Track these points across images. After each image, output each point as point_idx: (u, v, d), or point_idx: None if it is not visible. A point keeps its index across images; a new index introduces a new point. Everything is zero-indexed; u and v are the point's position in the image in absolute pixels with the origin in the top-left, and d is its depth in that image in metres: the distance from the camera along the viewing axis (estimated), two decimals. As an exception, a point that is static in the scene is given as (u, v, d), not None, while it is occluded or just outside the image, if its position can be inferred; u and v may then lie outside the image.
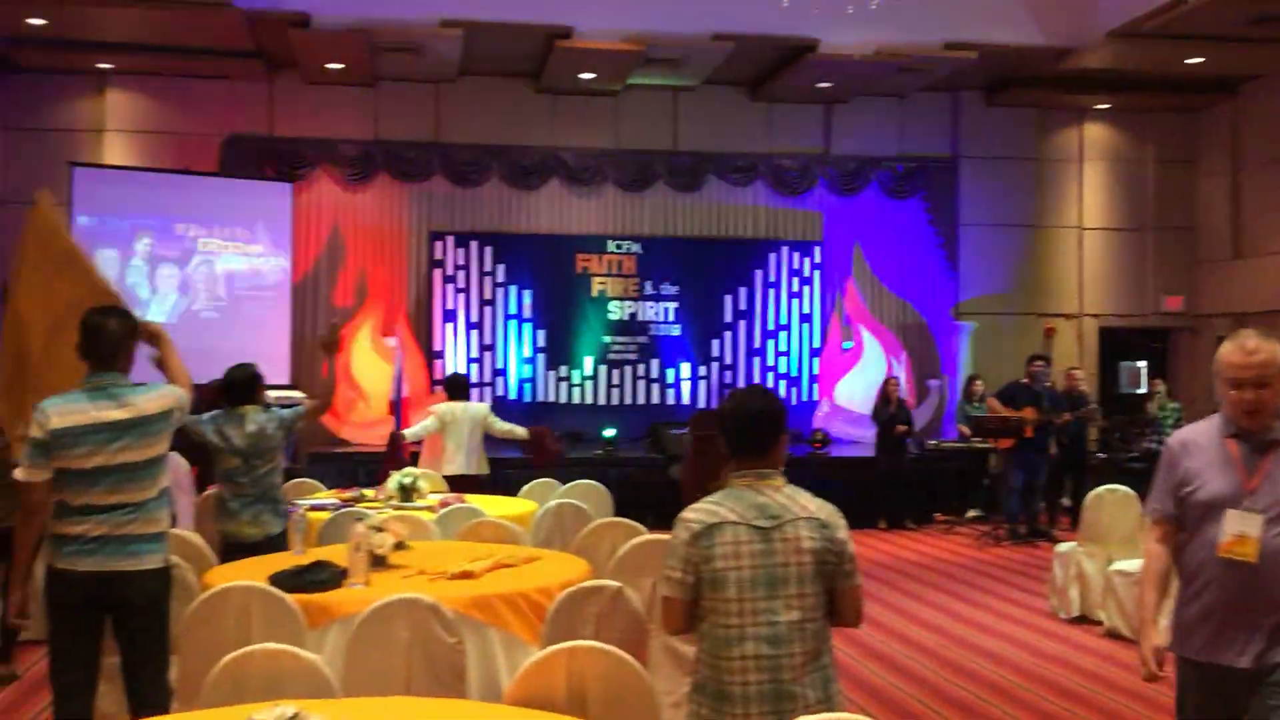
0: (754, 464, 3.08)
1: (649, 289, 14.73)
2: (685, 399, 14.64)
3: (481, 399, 13.73)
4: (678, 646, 4.97)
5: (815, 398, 14.92)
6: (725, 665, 2.95)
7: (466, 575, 4.43)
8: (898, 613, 8.08)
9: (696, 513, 3.04)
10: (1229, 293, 14.79)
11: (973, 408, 12.52)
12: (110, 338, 4.09)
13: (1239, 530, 3.15)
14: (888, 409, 12.21)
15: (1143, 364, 15.36)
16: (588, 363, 14.56)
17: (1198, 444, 3.33)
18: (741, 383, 14.83)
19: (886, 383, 12.57)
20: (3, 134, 13.23)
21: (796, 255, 15.06)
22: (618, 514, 7.13)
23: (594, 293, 14.61)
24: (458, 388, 8.83)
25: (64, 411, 3.98)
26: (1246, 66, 13.69)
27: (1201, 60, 13.02)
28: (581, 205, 14.70)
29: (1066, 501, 12.15)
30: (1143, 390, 14.87)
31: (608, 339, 14.63)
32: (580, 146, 14.49)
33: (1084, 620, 7.75)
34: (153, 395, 4.14)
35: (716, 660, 2.97)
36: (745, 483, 3.06)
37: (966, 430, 12.42)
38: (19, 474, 4.01)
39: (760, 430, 3.09)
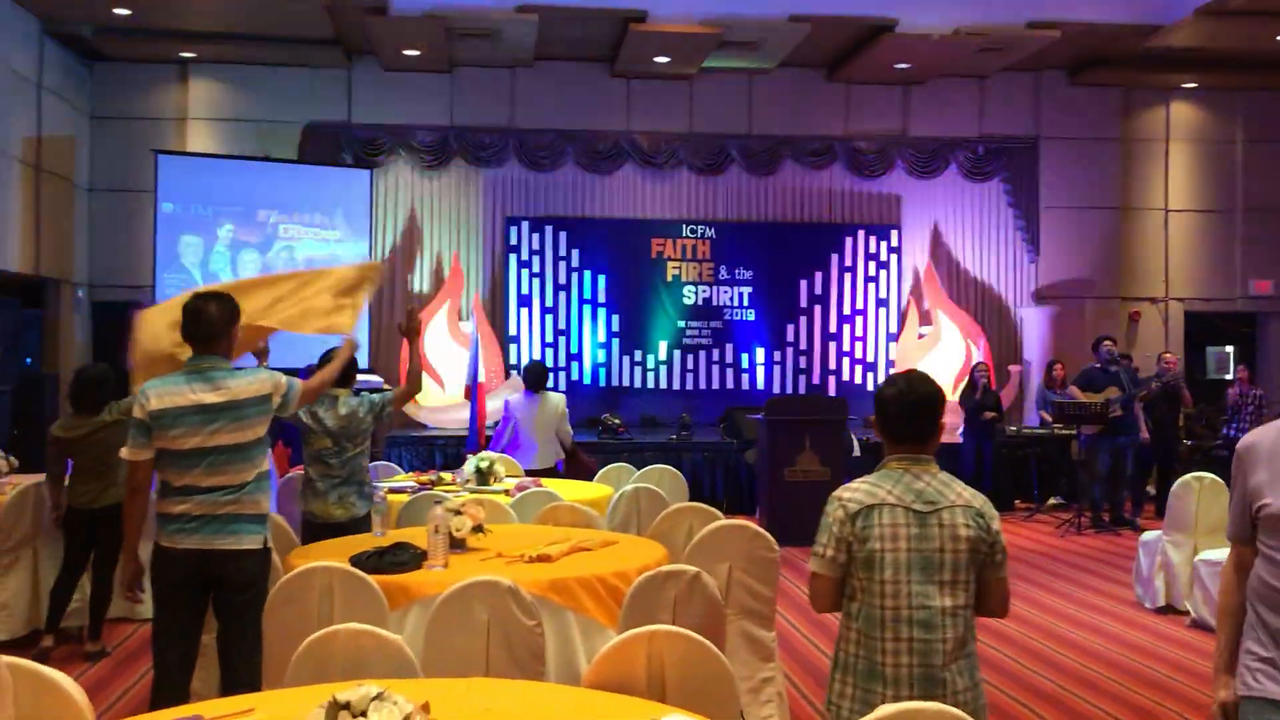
0: (912, 449, 3.08)
1: (723, 273, 14.68)
2: (760, 384, 14.58)
3: (556, 385, 13.79)
4: (756, 633, 4.95)
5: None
6: (879, 646, 2.96)
7: (544, 559, 4.44)
8: (977, 601, 7.97)
9: (854, 492, 3.05)
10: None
11: (1055, 393, 12.30)
12: (210, 322, 4.20)
13: None
14: (974, 395, 12.04)
15: (1230, 349, 14.97)
16: (662, 347, 14.56)
17: (1268, 448, 2.71)
18: (817, 368, 14.75)
19: (975, 368, 12.39)
20: (89, 122, 13.53)
21: (873, 239, 14.90)
22: (693, 499, 7.12)
23: (668, 277, 14.59)
24: (536, 377, 8.58)
25: (162, 394, 4.12)
26: (1342, 41, 13.23)
27: (1294, 36, 12.62)
28: (655, 189, 14.67)
29: (1152, 489, 11.90)
30: (1229, 376, 14.50)
31: (682, 323, 14.60)
32: (654, 130, 14.46)
33: (1170, 610, 7.59)
34: (249, 380, 4.23)
35: (870, 640, 2.98)
36: (902, 466, 3.07)
37: (1048, 416, 12.19)
38: (124, 452, 4.19)
39: (922, 416, 3.09)
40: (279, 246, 13.30)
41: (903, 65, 13.77)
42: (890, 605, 2.95)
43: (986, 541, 3.01)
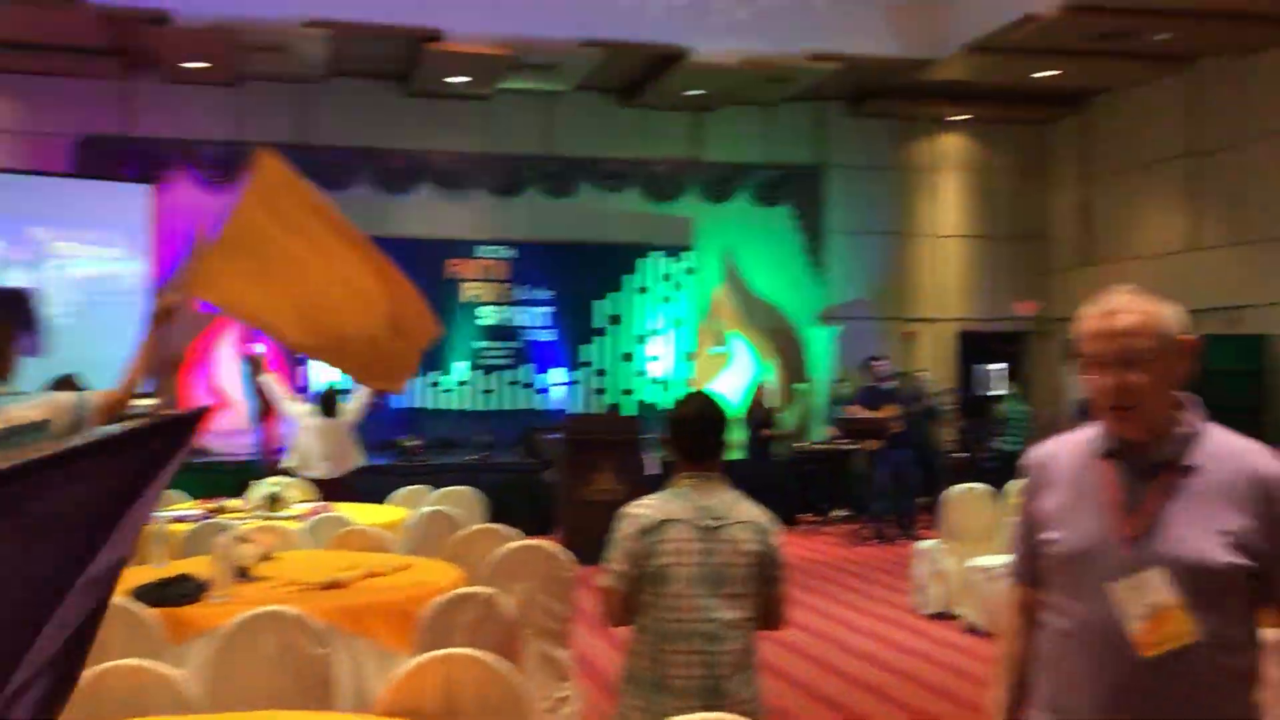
0: (701, 467, 3.19)
1: (521, 294, 14.70)
2: (559, 404, 14.65)
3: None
4: (552, 652, 4.99)
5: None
6: (665, 659, 3.05)
7: (335, 585, 4.37)
8: (768, 613, 8.22)
9: (643, 508, 3.14)
10: (1079, 298, 15.31)
11: (839, 410, 12.81)
12: None
13: (1154, 603, 2.04)
14: (756, 413, 12.40)
15: (999, 367, 15.89)
16: (459, 368, 14.46)
17: (1060, 467, 2.23)
18: (613, 388, 14.93)
19: (755, 387, 12.78)
20: None
21: (668, 261, 15.20)
22: (492, 520, 7.11)
23: (464, 298, 14.51)
24: (328, 404, 8.61)
25: None
26: (1095, 80, 14.29)
27: (1052, 74, 13.55)
28: (452, 210, 14.59)
29: (924, 500, 12.52)
30: (1000, 392, 15.40)
31: (479, 344, 14.54)
32: (451, 150, 14.38)
33: (945, 616, 7.99)
34: (25, 405, 3.97)
35: (656, 653, 3.06)
36: (691, 483, 3.16)
37: (833, 431, 12.69)
38: None
39: (711, 435, 3.22)
40: (51, 265, 12.61)
41: (694, 92, 14.13)
42: (675, 619, 3.03)
43: (768, 557, 3.14)
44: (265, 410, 10.66)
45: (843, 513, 12.84)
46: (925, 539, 8.73)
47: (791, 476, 12.86)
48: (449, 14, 12.14)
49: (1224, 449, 2.14)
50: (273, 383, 9.21)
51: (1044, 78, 13.72)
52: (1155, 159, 14.14)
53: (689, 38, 12.63)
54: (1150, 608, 2.04)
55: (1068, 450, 2.25)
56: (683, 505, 3.12)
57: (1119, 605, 2.06)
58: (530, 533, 5.83)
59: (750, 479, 12.12)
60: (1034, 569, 2.25)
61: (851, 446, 12.16)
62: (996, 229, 15.99)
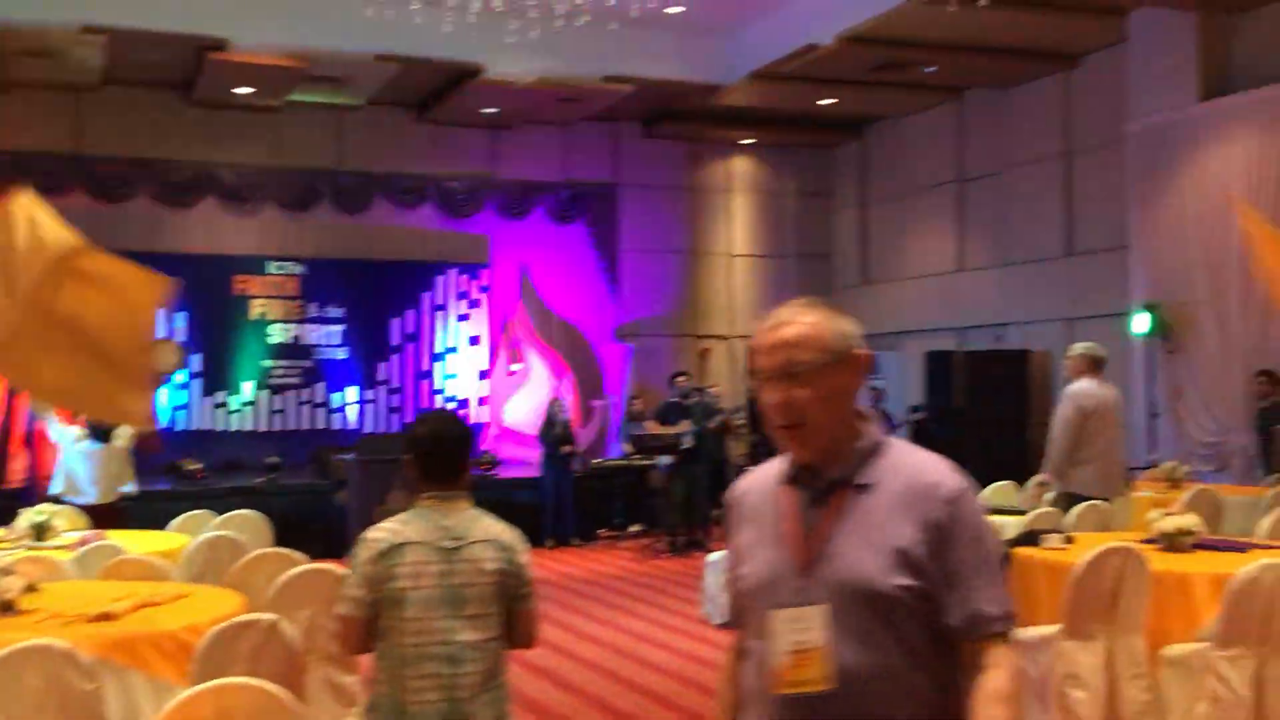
0: (442, 486, 3.16)
1: (313, 311, 14.41)
2: (352, 423, 14.40)
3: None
4: (338, 678, 4.93)
5: (484, 420, 15.05)
6: (404, 684, 3.02)
7: (106, 617, 4.21)
8: (564, 629, 8.30)
9: (381, 531, 3.10)
10: (860, 316, 15.95)
11: (635, 426, 13.02)
12: None
13: (802, 640, 1.94)
14: (552, 430, 12.48)
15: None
16: (247, 388, 14.05)
17: (751, 500, 2.14)
18: (410, 406, 14.77)
19: (552, 404, 12.85)
20: None
21: (465, 278, 15.17)
22: (282, 544, 6.93)
23: (253, 315, 14.13)
24: (99, 431, 8.25)
25: None
26: (871, 108, 15.02)
27: (833, 101, 14.17)
28: (240, 225, 14.19)
29: (717, 513, 12.87)
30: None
31: (269, 363, 14.17)
32: (238, 163, 13.99)
33: (735, 625, 8.23)
34: None
35: (395, 679, 3.03)
36: (431, 504, 3.14)
37: (629, 448, 12.90)
38: None
39: (450, 454, 3.19)
40: None
41: (490, 110, 14.16)
42: (415, 642, 3.02)
43: (513, 575, 3.14)
44: (33, 435, 10.11)
45: (638, 527, 13.05)
46: (718, 550, 8.96)
47: (589, 493, 13.00)
48: (235, 23, 11.83)
49: (899, 463, 2.03)
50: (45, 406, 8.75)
51: (825, 105, 14.34)
52: (928, 184, 14.97)
53: (484, 55, 12.66)
54: (797, 645, 1.94)
55: (759, 481, 2.15)
56: (421, 526, 3.09)
57: (773, 637, 1.97)
58: (322, 556, 5.76)
59: (549, 496, 12.32)
60: (737, 608, 2.15)
61: (646, 462, 12.39)
62: (784, 249, 16.58)
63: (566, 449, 12.43)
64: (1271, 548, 5.94)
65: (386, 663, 3.07)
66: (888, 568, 1.95)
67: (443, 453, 3.19)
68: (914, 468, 2.04)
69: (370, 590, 3.06)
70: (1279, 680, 4.98)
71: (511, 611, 3.16)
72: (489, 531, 3.15)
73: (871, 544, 1.97)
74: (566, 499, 12.43)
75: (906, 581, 1.95)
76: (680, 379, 12.10)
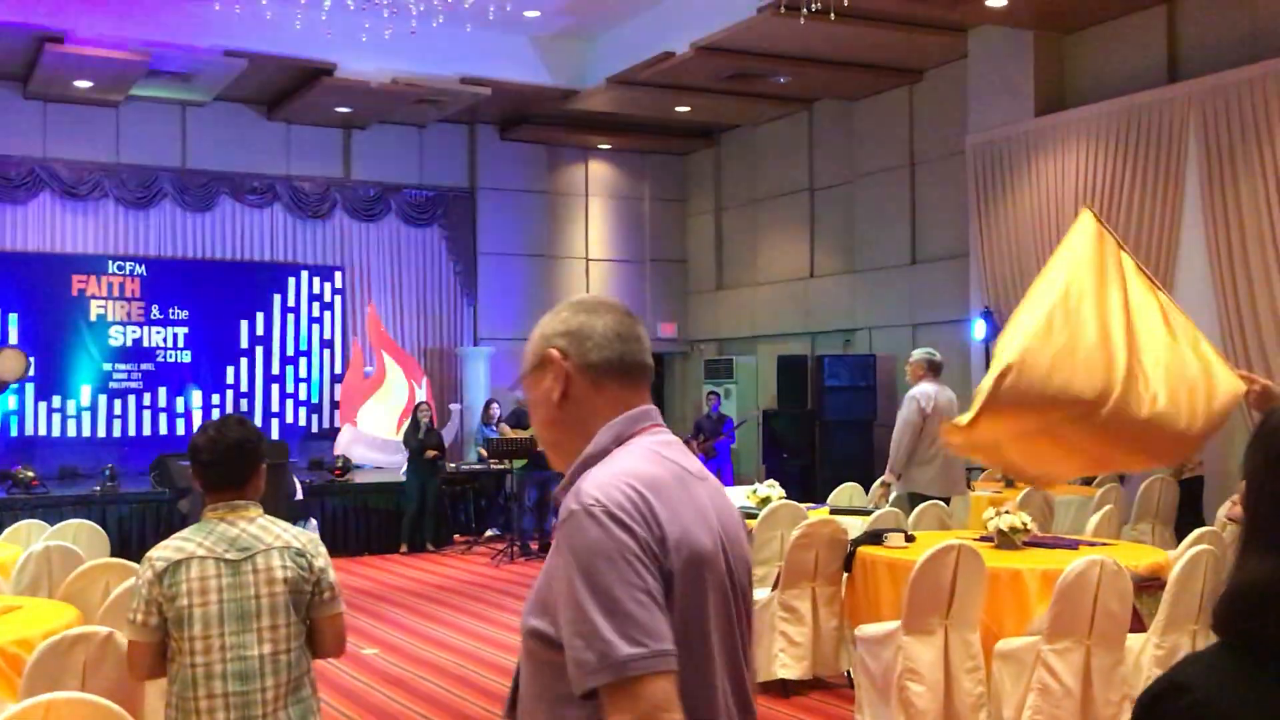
0: (228, 495, 3.05)
1: (156, 313, 13.94)
2: (197, 429, 13.97)
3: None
4: (179, 689, 4.80)
5: (337, 424, 14.78)
6: (193, 705, 2.90)
7: (-71, 633, 4.02)
8: (412, 634, 8.22)
9: (163, 550, 2.98)
10: (714, 320, 16.40)
11: (490, 430, 12.98)
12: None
13: None
14: (417, 434, 12.34)
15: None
16: (85, 392, 13.53)
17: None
18: (259, 411, 14.41)
19: (417, 408, 12.70)
20: None
21: (317, 280, 14.87)
22: (122, 554, 6.73)
23: (92, 316, 13.61)
24: None
25: None
26: (725, 117, 15.27)
27: (688, 109, 14.36)
28: (78, 222, 13.66)
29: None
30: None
31: (108, 366, 13.67)
32: (76, 159, 13.47)
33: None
34: None
35: (184, 701, 2.92)
36: (218, 515, 3.03)
37: (484, 452, 12.84)
38: None
39: (235, 461, 3.06)
40: None
41: (343, 109, 13.93)
42: (203, 661, 2.90)
43: (309, 580, 3.02)
44: None
45: (493, 532, 13.00)
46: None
47: (445, 498, 12.90)
48: (75, 15, 11.39)
49: (583, 481, 1.66)
50: None
51: (681, 112, 14.52)
52: (780, 192, 15.28)
53: (336, 54, 12.46)
54: None
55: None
56: (206, 540, 2.97)
57: None
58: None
59: (413, 501, 12.15)
60: None
61: (502, 467, 12.35)
62: (640, 254, 16.72)
63: (432, 453, 12.30)
64: (1099, 544, 6.25)
65: (176, 686, 2.94)
66: (529, 609, 1.70)
67: (224, 461, 3.05)
68: (574, 490, 1.66)
69: (154, 613, 2.93)
70: (1104, 671, 5.25)
71: (313, 620, 3.03)
72: (281, 539, 3.02)
73: (543, 579, 1.69)
74: (431, 504, 12.30)
75: (537, 625, 1.66)
76: None
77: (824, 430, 13.35)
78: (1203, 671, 1.21)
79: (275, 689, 2.94)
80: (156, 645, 2.96)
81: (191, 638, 2.91)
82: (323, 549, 3.11)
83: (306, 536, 3.11)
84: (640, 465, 1.68)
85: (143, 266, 13.88)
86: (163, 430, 13.86)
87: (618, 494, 1.61)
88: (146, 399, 13.87)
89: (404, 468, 12.50)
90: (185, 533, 3.02)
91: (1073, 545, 6.16)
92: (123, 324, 13.76)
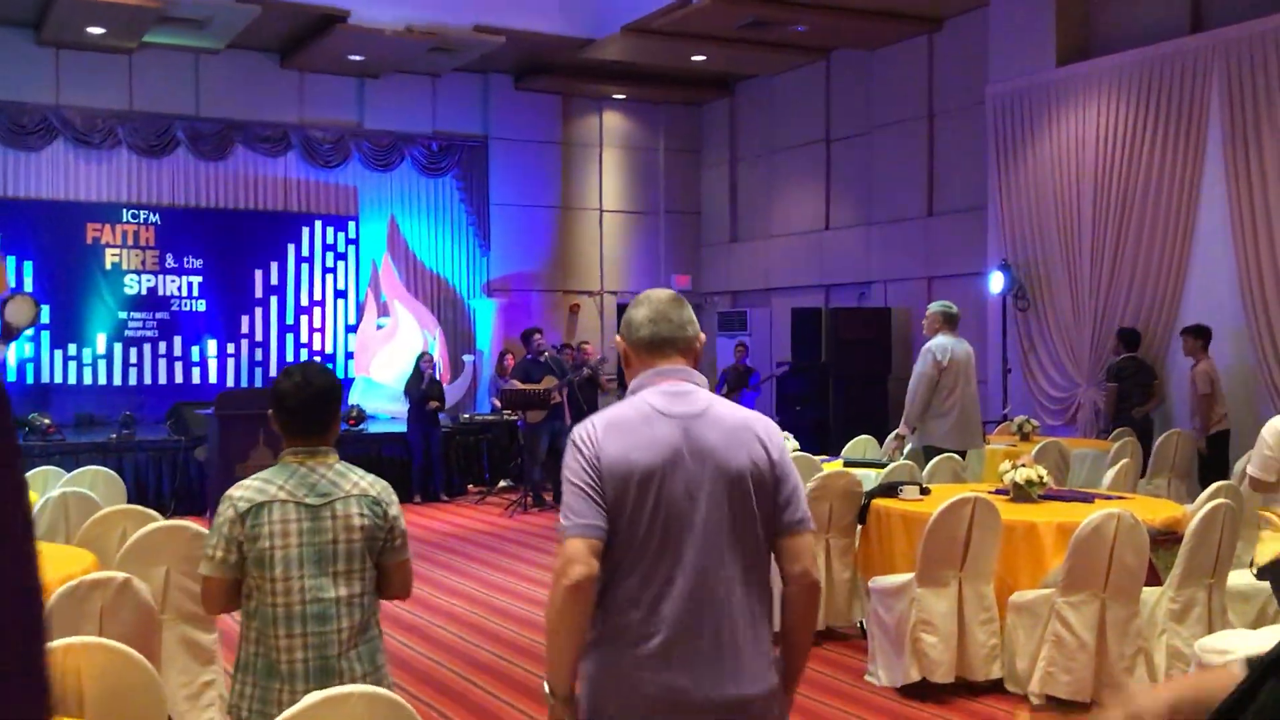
0: (310, 441, 3.10)
1: (170, 261, 13.94)
2: (212, 378, 14.03)
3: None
4: (195, 636, 4.83)
5: (351, 374, 14.81)
6: (273, 643, 2.98)
7: (-53, 577, 4.04)
8: (428, 584, 8.25)
9: (245, 490, 3.03)
10: (728, 272, 16.33)
11: (504, 381, 12.97)
12: None
13: None
14: (420, 385, 12.35)
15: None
16: (100, 340, 13.56)
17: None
18: (274, 360, 14.44)
19: (420, 359, 12.70)
20: None
21: (331, 229, 14.84)
22: (138, 502, 6.77)
23: (107, 265, 13.62)
24: None
25: None
26: (741, 66, 15.11)
27: (703, 58, 14.21)
28: (92, 170, 13.62)
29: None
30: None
31: (124, 315, 13.69)
32: (89, 107, 13.40)
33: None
34: None
35: (264, 638, 2.99)
36: (298, 459, 3.08)
37: (498, 403, 12.84)
38: None
39: (319, 408, 3.11)
40: None
41: (356, 57, 13.82)
42: (283, 602, 2.97)
43: (384, 528, 3.09)
44: None
45: (507, 483, 13.04)
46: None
47: (458, 448, 12.93)
48: (85, -41, 11.29)
49: None
50: None
51: (696, 61, 14.37)
52: (795, 143, 15.14)
53: (350, 1, 12.35)
54: None
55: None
56: (287, 483, 3.03)
57: None
58: (180, 513, 5.62)
59: (417, 451, 12.21)
60: None
61: (514, 418, 12.36)
62: (654, 205, 16.63)
63: (433, 404, 12.31)
64: (1114, 498, 6.23)
65: (255, 622, 3.01)
66: None
67: (307, 406, 3.09)
68: None
69: (233, 551, 2.98)
70: (1118, 624, 5.25)
71: (383, 565, 3.11)
72: (358, 486, 3.09)
73: None
74: (435, 454, 12.34)
75: None
76: (536, 336, 12.04)
77: (838, 383, 13.31)
78: None
79: (350, 630, 3.02)
80: (232, 582, 3.01)
81: (273, 579, 2.97)
82: (394, 497, 3.18)
83: (381, 485, 3.16)
84: (614, 409, 2.53)
85: (157, 215, 13.86)
86: (178, 379, 13.90)
87: (581, 429, 2.51)
88: (162, 347, 13.90)
89: (406, 418, 12.52)
90: (266, 474, 3.06)
91: (1088, 499, 6.14)
92: (137, 273, 13.76)
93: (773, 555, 2.53)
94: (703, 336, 2.65)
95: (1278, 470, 4.92)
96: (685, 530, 2.41)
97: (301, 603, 2.98)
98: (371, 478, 3.17)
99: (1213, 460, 9.12)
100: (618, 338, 2.64)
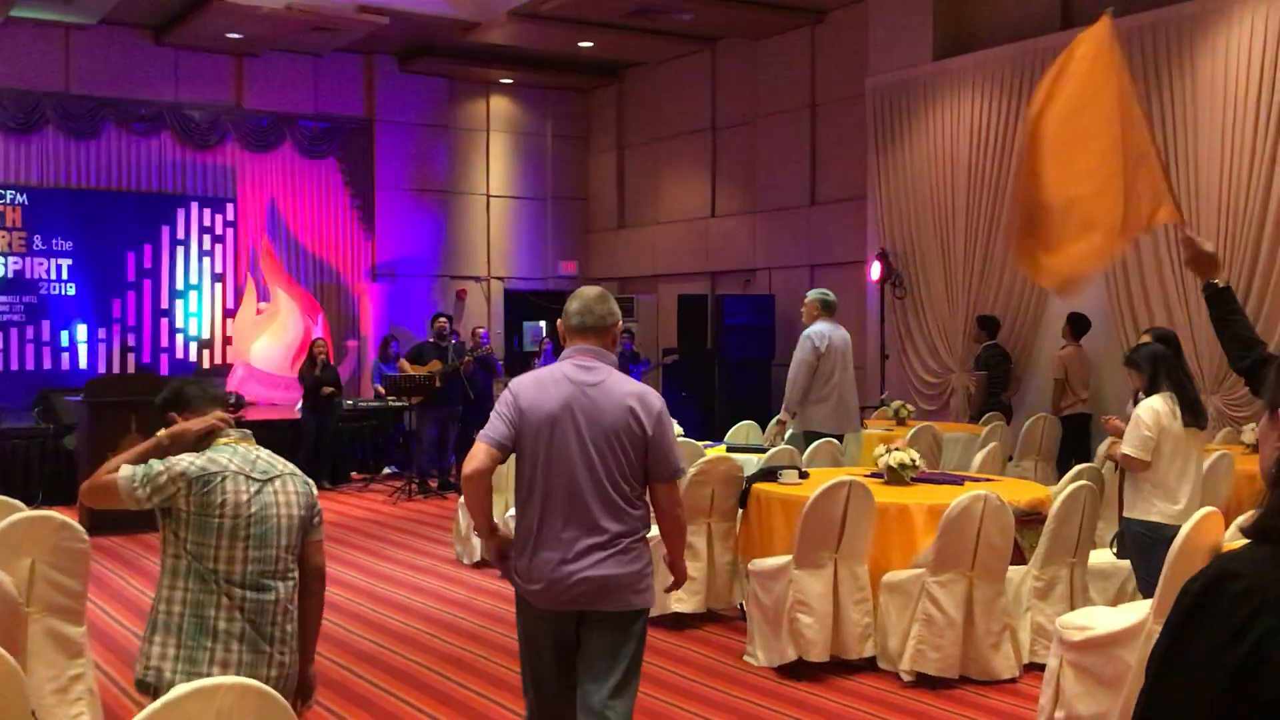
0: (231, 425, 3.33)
1: (38, 243, 13.46)
2: (82, 363, 13.61)
3: None
4: (62, 630, 4.69)
5: (229, 360, 14.49)
6: (211, 606, 3.07)
7: None
8: (309, 572, 8.15)
9: (194, 459, 3.12)
10: (615, 258, 16.39)
11: (387, 368, 12.84)
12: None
13: None
14: (314, 371, 12.12)
15: (543, 324, 16.55)
16: (-37, 325, 13.04)
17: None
18: (148, 346, 14.08)
19: (314, 344, 12.46)
20: None
21: (208, 212, 14.49)
22: (3, 491, 6.52)
23: (-29, 247, 13.09)
24: None
25: None
26: (628, 54, 15.15)
27: (591, 45, 14.21)
28: (-46, 148, 13.07)
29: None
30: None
31: (-11, 299, 13.19)
32: (-49, 82, 12.86)
33: (484, 564, 8.29)
34: None
35: (201, 601, 3.07)
36: (233, 441, 3.24)
37: (382, 389, 12.70)
38: None
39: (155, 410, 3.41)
40: None
41: (235, 35, 13.50)
42: (224, 570, 3.09)
43: (313, 508, 3.30)
44: None
45: (391, 469, 12.91)
46: (467, 491, 8.96)
47: (342, 434, 12.75)
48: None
49: None
50: None
51: (584, 48, 14.36)
52: (682, 130, 15.25)
53: (228, -22, 12.05)
54: None
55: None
56: (231, 459, 3.16)
57: None
58: (48, 503, 5.45)
59: (309, 438, 11.99)
60: None
61: (400, 404, 12.24)
62: (541, 191, 16.59)
63: (328, 390, 12.11)
64: (983, 480, 6.44)
65: (190, 582, 3.08)
66: None
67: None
68: None
69: (155, 499, 3.06)
70: (986, 602, 5.44)
71: (306, 542, 3.28)
72: (288, 467, 3.28)
73: None
74: (328, 441, 12.14)
75: None
76: (441, 320, 11.95)
77: (723, 369, 13.47)
78: (1247, 563, 1.38)
79: (286, 602, 3.19)
80: (137, 501, 3.07)
81: (216, 546, 3.07)
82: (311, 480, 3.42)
83: (293, 467, 3.33)
84: (539, 371, 3.68)
85: (24, 195, 13.38)
86: (46, 365, 13.45)
87: (515, 380, 3.66)
88: (29, 332, 13.42)
89: (299, 404, 12.31)
90: (208, 453, 3.16)
91: (958, 481, 6.33)
92: (4, 255, 13.27)
93: (649, 495, 3.62)
94: (620, 324, 3.73)
95: (1153, 449, 5.15)
96: (565, 462, 3.49)
97: (243, 573, 3.09)
98: (286, 460, 3.35)
99: (1068, 442, 9.49)
100: (559, 322, 3.68)
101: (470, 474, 3.46)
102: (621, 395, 3.51)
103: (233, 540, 3.09)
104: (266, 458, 3.24)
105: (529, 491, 3.51)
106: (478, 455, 3.46)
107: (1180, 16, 9.47)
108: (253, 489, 3.12)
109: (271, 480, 3.17)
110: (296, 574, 3.24)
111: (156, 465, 3.11)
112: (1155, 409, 5.19)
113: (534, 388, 3.54)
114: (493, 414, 3.54)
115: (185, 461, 3.12)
